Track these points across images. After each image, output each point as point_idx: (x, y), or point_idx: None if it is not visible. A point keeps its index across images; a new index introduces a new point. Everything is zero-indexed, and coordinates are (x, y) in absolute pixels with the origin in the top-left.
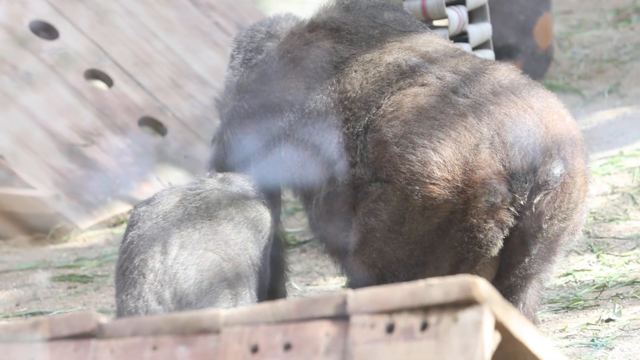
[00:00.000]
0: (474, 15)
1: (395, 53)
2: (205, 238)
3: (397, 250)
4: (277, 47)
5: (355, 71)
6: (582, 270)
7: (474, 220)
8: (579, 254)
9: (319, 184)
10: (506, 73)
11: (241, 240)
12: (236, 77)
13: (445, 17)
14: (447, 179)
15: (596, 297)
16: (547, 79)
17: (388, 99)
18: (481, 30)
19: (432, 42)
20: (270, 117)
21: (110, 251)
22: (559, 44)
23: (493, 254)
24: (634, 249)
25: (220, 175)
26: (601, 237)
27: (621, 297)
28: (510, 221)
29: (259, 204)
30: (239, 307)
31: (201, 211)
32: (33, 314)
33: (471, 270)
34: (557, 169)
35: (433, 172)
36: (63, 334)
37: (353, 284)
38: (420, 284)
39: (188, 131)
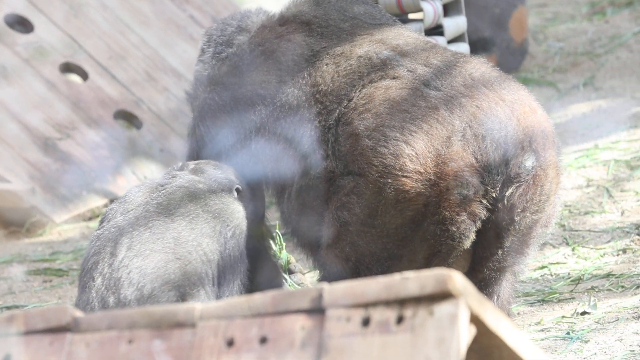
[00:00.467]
0: (449, 9)
1: (366, 46)
2: (154, 237)
3: (370, 244)
4: (248, 40)
5: (327, 64)
6: (558, 263)
7: (447, 213)
8: (554, 247)
9: (291, 177)
10: (477, 66)
11: (194, 236)
12: (207, 70)
13: (420, 10)
14: (420, 172)
15: (571, 290)
16: (522, 72)
17: (359, 91)
18: (456, 24)
19: (403, 35)
20: (242, 110)
21: (85, 245)
22: (534, 37)
23: (466, 246)
24: (609, 241)
25: (192, 165)
26: (576, 230)
27: (596, 290)
28: (483, 213)
29: (226, 195)
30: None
31: (161, 207)
32: (8, 308)
33: (445, 262)
34: (528, 162)
35: (405, 164)
36: (38, 327)
37: (326, 278)
38: (395, 277)
39: (163, 124)
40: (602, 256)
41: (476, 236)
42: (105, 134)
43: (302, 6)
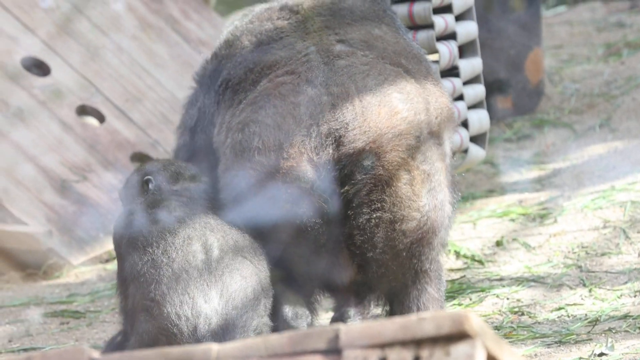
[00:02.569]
0: (464, 50)
1: (308, 40)
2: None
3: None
4: (246, 23)
5: (269, 53)
6: (575, 304)
7: (288, 206)
8: (571, 288)
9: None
10: (377, 69)
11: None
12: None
13: (435, 51)
14: (263, 163)
15: (589, 332)
16: (538, 113)
17: (264, 84)
18: (472, 65)
19: (359, 30)
20: (215, 82)
21: (102, 287)
22: (549, 79)
23: (321, 240)
24: (626, 283)
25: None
26: (593, 272)
27: (614, 331)
28: (324, 207)
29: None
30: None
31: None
32: (25, 350)
33: (318, 253)
34: (366, 161)
35: (254, 155)
36: None
37: None
38: (412, 318)
39: None
40: (619, 297)
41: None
42: (121, 176)
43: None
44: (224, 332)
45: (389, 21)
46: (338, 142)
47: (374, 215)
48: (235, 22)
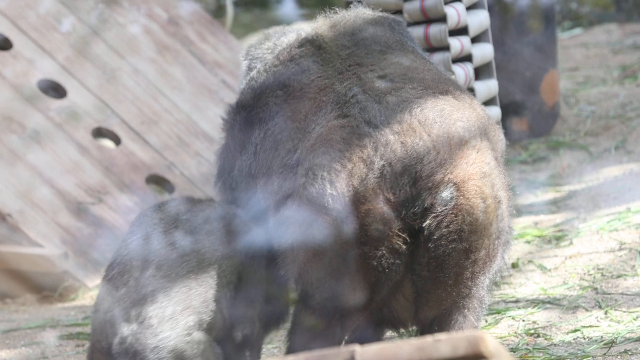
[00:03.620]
0: (480, 72)
1: (346, 81)
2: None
3: (314, 272)
4: (271, 60)
5: (310, 98)
6: (590, 326)
7: (366, 248)
8: (587, 310)
9: (266, 211)
10: (429, 99)
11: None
12: (241, 84)
13: (452, 73)
14: (339, 210)
15: (604, 354)
16: (553, 135)
17: (317, 130)
18: (488, 87)
19: (391, 63)
20: (250, 133)
21: None
22: (565, 101)
23: (395, 278)
24: None
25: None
26: (609, 293)
27: (630, 353)
28: (404, 247)
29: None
30: None
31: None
32: None
33: (383, 292)
34: (445, 193)
35: (328, 203)
36: None
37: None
38: (427, 340)
39: (195, 189)
40: (635, 319)
41: (411, 268)
42: (137, 198)
43: (320, 29)
44: (135, 352)
45: (411, 48)
46: (414, 178)
47: (451, 246)
48: (257, 65)
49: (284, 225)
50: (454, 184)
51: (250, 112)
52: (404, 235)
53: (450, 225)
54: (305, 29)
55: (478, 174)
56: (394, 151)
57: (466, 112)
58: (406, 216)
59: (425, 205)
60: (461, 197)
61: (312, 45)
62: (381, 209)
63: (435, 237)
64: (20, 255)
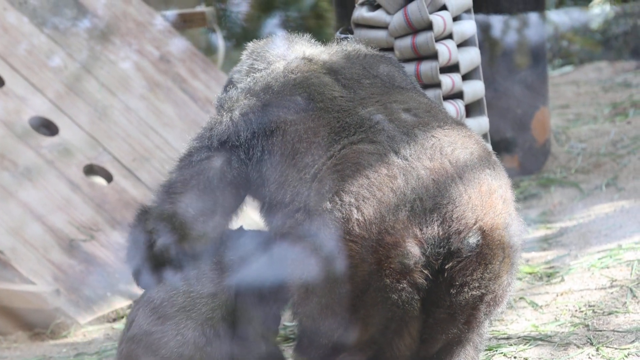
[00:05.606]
0: (471, 109)
1: (369, 106)
2: None
3: (329, 307)
4: (284, 66)
5: (333, 117)
6: None
7: (388, 281)
8: (578, 347)
9: (274, 221)
10: (457, 140)
11: None
12: (243, 80)
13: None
14: (364, 237)
15: None
16: (544, 172)
17: (339, 151)
18: (479, 124)
19: (413, 98)
20: (262, 126)
21: (110, 346)
22: (556, 138)
23: (412, 314)
24: (633, 342)
25: None
26: (600, 330)
27: None
28: (424, 283)
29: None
30: None
31: None
32: None
33: (399, 327)
34: (472, 239)
35: (353, 229)
36: None
37: (301, 336)
38: None
39: None
40: (626, 356)
41: (423, 304)
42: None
43: (333, 56)
44: None
45: (418, 88)
46: (444, 219)
47: (471, 293)
48: (272, 67)
49: (298, 247)
50: (483, 231)
51: (266, 103)
52: (426, 272)
53: (474, 274)
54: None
55: (502, 225)
56: (427, 187)
57: (491, 159)
58: (430, 254)
59: (452, 248)
60: (485, 247)
61: (325, 67)
62: (409, 244)
63: (457, 283)
64: (11, 292)
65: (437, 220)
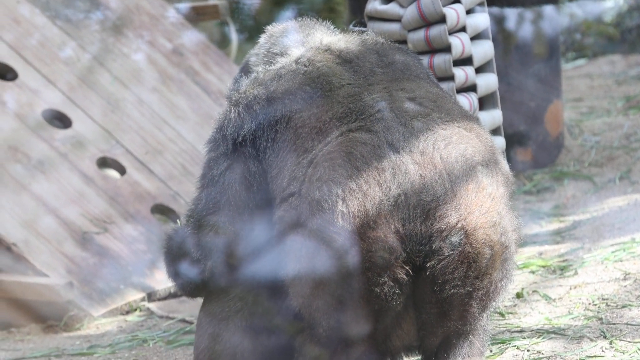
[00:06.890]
0: (484, 102)
1: (375, 93)
2: None
3: (316, 297)
4: (297, 55)
5: (338, 102)
6: (595, 356)
7: (369, 274)
8: (591, 340)
9: (275, 204)
10: (454, 134)
11: None
12: (259, 65)
13: None
14: (347, 230)
15: None
16: (558, 166)
17: (336, 138)
18: (492, 117)
19: (421, 88)
20: (270, 115)
21: (123, 338)
22: (569, 131)
23: (396, 307)
24: None
25: None
26: (614, 324)
27: None
28: (405, 279)
29: None
30: None
31: None
32: None
33: (387, 320)
34: (454, 238)
35: (337, 221)
36: None
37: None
38: None
39: None
40: (639, 349)
41: (413, 300)
42: (142, 228)
43: (350, 44)
44: None
45: (436, 81)
46: (427, 216)
47: (455, 290)
48: (286, 55)
49: (291, 232)
50: (465, 231)
51: (272, 93)
52: (407, 268)
53: (455, 272)
54: (328, 34)
55: (488, 223)
56: (412, 182)
57: (487, 155)
58: (411, 250)
59: (433, 246)
60: (468, 245)
61: (340, 56)
62: (390, 238)
63: (439, 281)
64: (25, 285)
65: (419, 217)
